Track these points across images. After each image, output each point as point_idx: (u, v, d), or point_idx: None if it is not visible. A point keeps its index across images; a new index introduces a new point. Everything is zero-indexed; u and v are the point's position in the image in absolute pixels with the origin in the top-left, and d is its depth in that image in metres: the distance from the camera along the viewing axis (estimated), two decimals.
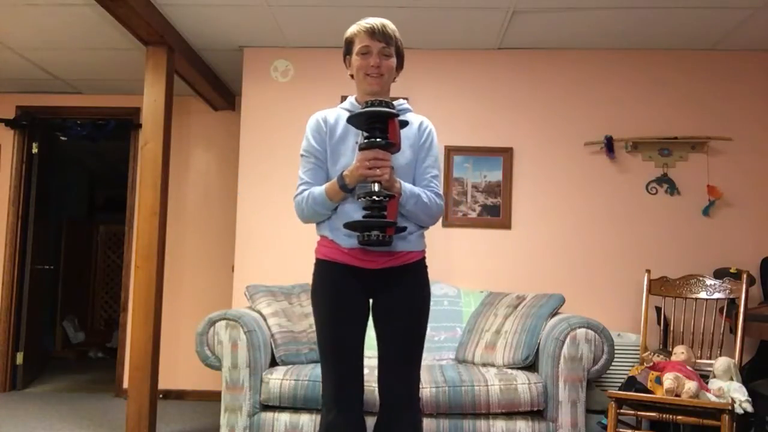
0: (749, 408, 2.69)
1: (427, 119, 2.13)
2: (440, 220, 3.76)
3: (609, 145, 3.70)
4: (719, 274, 3.38)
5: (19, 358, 4.83)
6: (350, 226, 1.90)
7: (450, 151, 3.81)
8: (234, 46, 3.91)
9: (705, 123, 3.74)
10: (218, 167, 4.83)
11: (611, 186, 3.76)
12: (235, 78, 4.33)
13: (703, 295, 3.18)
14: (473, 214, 3.78)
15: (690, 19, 3.37)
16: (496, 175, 3.79)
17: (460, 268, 3.74)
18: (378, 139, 1.86)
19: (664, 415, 2.65)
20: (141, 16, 3.11)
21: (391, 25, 2.04)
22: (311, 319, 3.20)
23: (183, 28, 3.61)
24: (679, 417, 2.63)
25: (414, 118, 2.10)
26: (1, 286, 4.77)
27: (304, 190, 2.02)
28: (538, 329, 2.92)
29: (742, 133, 3.72)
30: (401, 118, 1.96)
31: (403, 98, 2.22)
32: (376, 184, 1.86)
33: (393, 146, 1.89)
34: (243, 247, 3.85)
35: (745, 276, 3.06)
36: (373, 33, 1.99)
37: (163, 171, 3.49)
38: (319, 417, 2.74)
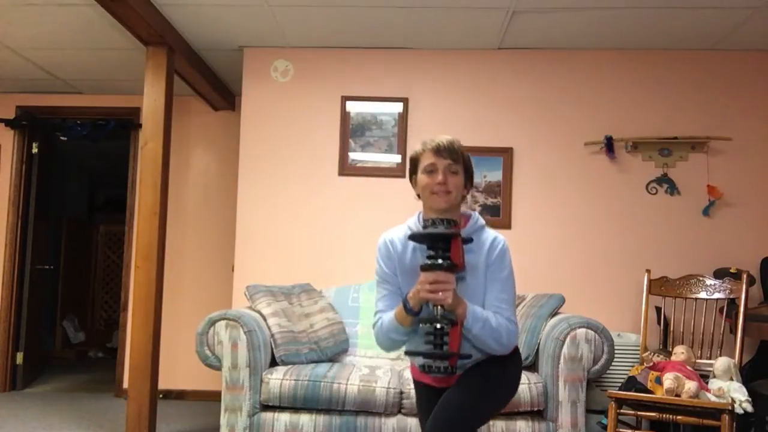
0: (749, 408, 2.69)
1: (501, 236, 2.00)
2: None
3: (609, 145, 3.70)
4: (719, 274, 3.38)
5: (19, 358, 4.83)
6: (412, 354, 1.90)
7: None
8: (234, 46, 3.91)
9: (705, 123, 3.74)
10: (218, 167, 4.83)
11: (611, 186, 3.75)
12: (235, 78, 4.33)
13: (703, 295, 3.18)
14: None
15: (690, 19, 3.37)
16: (496, 175, 3.79)
17: None
18: (439, 260, 1.78)
19: (664, 415, 2.65)
20: (141, 16, 3.11)
21: (458, 142, 1.96)
22: (311, 319, 3.20)
23: (183, 28, 3.61)
24: (679, 417, 2.63)
25: (487, 235, 1.99)
26: (1, 286, 4.77)
27: (380, 318, 1.98)
28: (538, 329, 2.92)
29: (742, 133, 3.72)
30: (465, 235, 1.88)
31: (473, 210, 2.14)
32: (438, 308, 1.79)
33: (455, 267, 1.81)
34: (243, 247, 3.85)
35: (745, 276, 3.06)
36: (438, 151, 1.92)
37: (163, 171, 3.49)
38: (318, 417, 2.74)
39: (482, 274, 1.91)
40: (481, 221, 2.01)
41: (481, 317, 1.85)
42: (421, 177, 1.95)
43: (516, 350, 1.99)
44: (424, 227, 1.83)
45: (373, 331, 2.02)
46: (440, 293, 1.77)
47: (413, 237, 1.88)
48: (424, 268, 1.80)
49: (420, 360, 1.82)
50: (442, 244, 1.80)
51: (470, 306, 1.85)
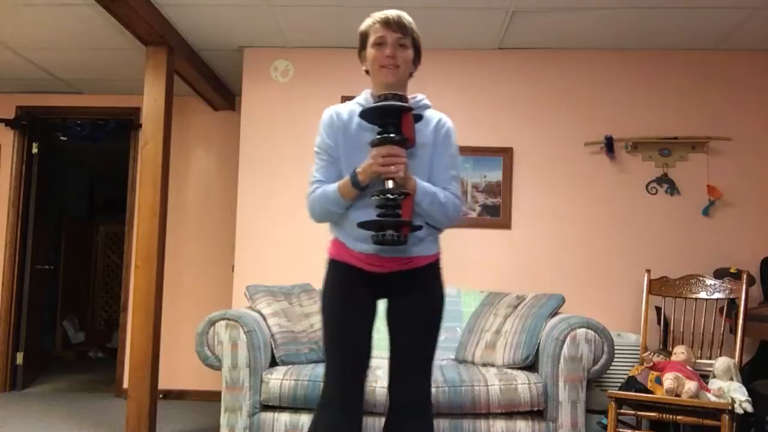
0: (749, 408, 2.68)
1: (447, 116, 2.05)
2: None
3: (609, 145, 3.70)
4: (719, 274, 3.38)
5: (19, 358, 4.83)
6: (364, 225, 1.83)
7: None
8: (234, 46, 3.91)
9: (705, 123, 3.74)
10: (218, 167, 4.83)
11: (611, 186, 3.75)
12: (235, 78, 4.33)
13: (703, 295, 3.18)
14: (473, 214, 3.78)
15: (690, 19, 3.37)
16: (496, 175, 3.79)
17: (460, 268, 3.74)
18: (391, 134, 1.79)
19: (664, 415, 2.65)
20: (141, 16, 3.11)
21: (407, 16, 1.95)
22: (311, 319, 3.20)
23: (183, 28, 3.61)
24: (679, 417, 2.63)
25: (432, 115, 2.02)
26: (1, 286, 4.77)
27: (317, 188, 1.95)
28: (538, 329, 2.92)
29: (742, 133, 3.72)
30: (415, 112, 1.89)
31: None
32: (390, 182, 1.79)
33: (407, 141, 1.82)
34: (243, 247, 3.85)
35: (745, 276, 3.06)
36: (388, 23, 1.91)
37: (163, 171, 3.49)
38: None
39: (428, 152, 1.96)
40: (426, 100, 2.05)
41: (429, 192, 1.89)
42: (370, 51, 1.94)
43: (438, 258, 2.03)
44: (376, 102, 1.82)
45: (308, 200, 1.98)
46: (392, 167, 1.78)
47: (365, 112, 1.86)
48: (376, 143, 1.81)
49: (373, 230, 1.80)
50: (393, 119, 1.80)
51: (419, 181, 1.87)
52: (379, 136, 1.81)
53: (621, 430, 2.75)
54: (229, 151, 4.72)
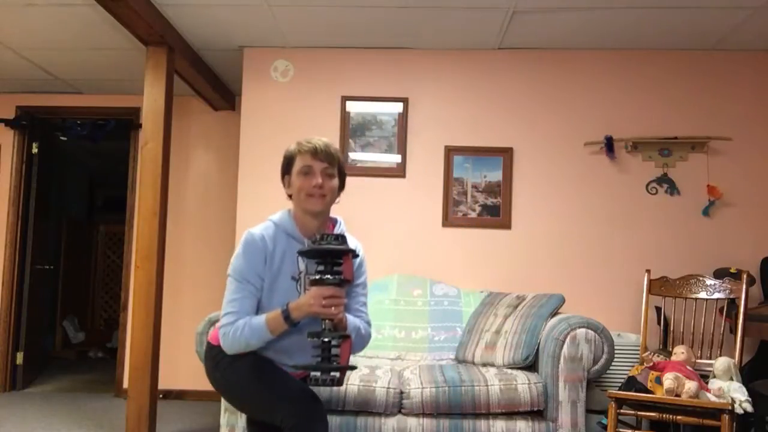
0: (749, 408, 2.68)
1: (356, 240, 2.07)
2: (440, 220, 3.78)
3: (609, 145, 3.70)
4: (719, 274, 3.38)
5: (19, 358, 4.83)
6: (301, 368, 1.82)
7: (450, 151, 3.81)
8: (234, 46, 3.91)
9: (705, 123, 3.74)
10: (218, 167, 4.83)
11: (611, 186, 3.75)
12: (235, 78, 4.33)
13: (703, 295, 3.18)
14: (473, 214, 3.78)
15: (690, 19, 3.37)
16: (496, 175, 3.79)
17: (460, 268, 3.74)
18: (333, 276, 1.79)
19: (664, 415, 2.64)
20: (141, 16, 3.11)
21: (334, 146, 1.99)
22: None
23: (183, 28, 3.61)
24: (679, 417, 2.63)
25: (351, 241, 2.03)
26: (1, 286, 4.77)
27: (237, 320, 1.88)
28: (538, 329, 2.92)
29: (742, 133, 3.72)
30: (355, 251, 1.91)
31: (337, 217, 2.14)
32: (327, 322, 1.79)
33: (347, 283, 1.83)
34: None
35: (745, 276, 3.06)
36: (315, 152, 1.93)
37: (163, 171, 3.49)
38: None
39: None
40: (344, 226, 2.06)
41: (354, 327, 1.92)
42: (296, 178, 1.96)
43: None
44: (314, 242, 1.81)
45: (220, 332, 1.91)
46: (333, 308, 1.78)
47: (306, 252, 1.85)
48: (316, 283, 1.80)
49: (311, 372, 1.80)
50: (332, 260, 1.80)
51: (347, 316, 1.90)
52: (319, 277, 1.80)
53: (621, 430, 2.75)
54: (229, 151, 4.72)
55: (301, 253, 1.89)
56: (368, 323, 2.02)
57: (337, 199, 2.03)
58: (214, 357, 1.99)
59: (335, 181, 1.98)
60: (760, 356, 3.36)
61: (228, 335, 1.88)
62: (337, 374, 1.80)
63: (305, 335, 1.83)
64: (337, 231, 2.00)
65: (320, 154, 1.93)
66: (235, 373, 1.94)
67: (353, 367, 1.89)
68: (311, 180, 1.92)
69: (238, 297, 1.90)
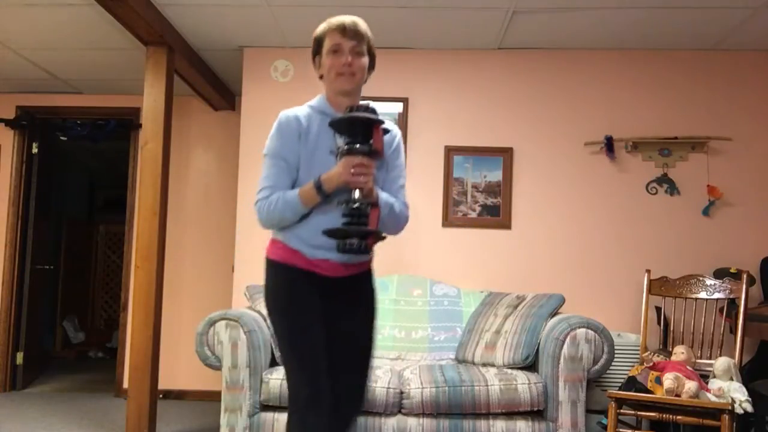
0: (749, 408, 2.69)
1: (395, 124, 2.05)
2: (440, 220, 3.78)
3: (609, 145, 3.70)
4: (719, 274, 3.38)
5: (19, 358, 4.83)
6: (329, 233, 1.81)
7: (450, 151, 3.81)
8: (234, 46, 3.91)
9: (705, 123, 3.74)
10: (218, 167, 4.83)
11: (611, 186, 3.76)
12: (235, 78, 4.33)
13: (703, 295, 3.18)
14: (473, 214, 3.78)
15: (690, 19, 3.37)
16: (496, 175, 3.79)
17: (460, 268, 3.74)
18: (363, 146, 1.79)
19: (664, 415, 2.65)
20: (141, 16, 3.11)
21: (363, 23, 1.95)
22: None
23: (183, 28, 3.61)
24: (679, 417, 2.63)
25: (387, 124, 2.00)
26: (1, 286, 4.77)
27: (271, 193, 1.88)
28: (538, 329, 2.92)
29: (742, 133, 3.72)
30: (385, 126, 1.89)
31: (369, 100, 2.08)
32: (357, 192, 1.79)
33: (377, 154, 1.82)
34: (243, 247, 3.85)
35: (745, 276, 3.06)
36: (344, 31, 1.90)
37: (163, 171, 3.49)
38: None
39: (381, 162, 1.96)
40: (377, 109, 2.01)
41: (387, 202, 1.91)
42: (325, 58, 1.95)
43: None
44: (346, 113, 1.81)
45: (256, 206, 1.91)
46: (362, 177, 1.77)
47: (335, 122, 1.84)
48: (346, 153, 1.79)
49: (338, 238, 1.78)
50: (364, 130, 1.80)
51: (379, 191, 1.89)
52: (349, 146, 1.80)
53: (621, 430, 2.75)
54: (229, 151, 4.73)
55: (331, 124, 1.87)
56: (405, 205, 1.98)
57: (366, 78, 2.00)
58: (266, 272, 1.99)
59: (365, 59, 1.95)
60: (760, 356, 3.35)
61: (263, 209, 1.89)
62: (365, 241, 1.77)
63: (336, 208, 1.83)
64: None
65: (349, 32, 1.91)
66: (272, 301, 1.96)
67: (382, 236, 1.86)
68: (340, 58, 1.91)
69: (272, 172, 1.92)
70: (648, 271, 3.33)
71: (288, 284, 1.93)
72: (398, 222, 1.97)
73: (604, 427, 2.87)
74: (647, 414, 2.71)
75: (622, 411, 2.76)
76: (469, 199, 3.79)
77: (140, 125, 4.21)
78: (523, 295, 3.25)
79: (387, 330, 3.34)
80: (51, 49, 3.98)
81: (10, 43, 3.89)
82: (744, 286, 3.04)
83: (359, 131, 1.81)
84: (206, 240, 4.77)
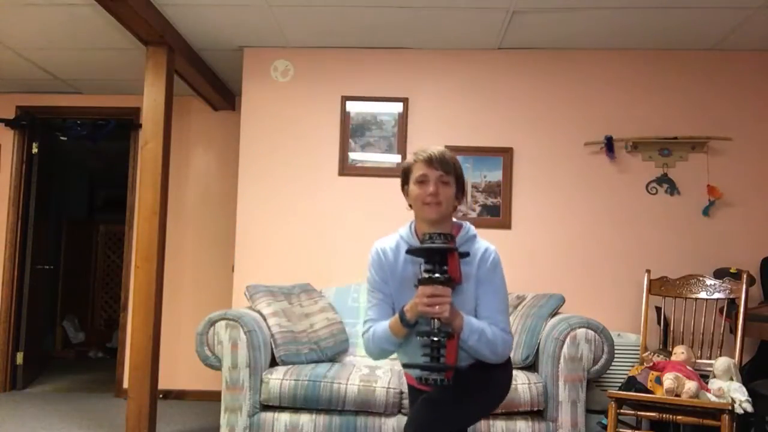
0: (749, 408, 2.69)
1: (493, 247, 2.01)
2: None
3: (609, 145, 3.70)
4: (719, 274, 3.38)
5: (19, 358, 4.83)
6: (409, 367, 1.90)
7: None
8: (234, 46, 3.91)
9: (705, 123, 3.74)
10: (218, 167, 4.83)
11: (611, 186, 3.75)
12: (235, 78, 4.33)
13: (703, 295, 3.18)
14: (473, 214, 3.78)
15: (690, 19, 3.37)
16: (496, 175, 3.79)
17: None
18: (436, 274, 1.80)
19: (664, 415, 2.65)
20: (141, 16, 3.11)
21: (449, 153, 1.98)
22: (311, 319, 3.20)
23: (183, 28, 3.61)
24: (679, 417, 2.63)
25: (478, 245, 2.00)
26: (1, 286, 4.77)
27: (371, 327, 1.99)
28: (538, 329, 2.92)
29: (742, 133, 3.72)
30: (462, 249, 1.91)
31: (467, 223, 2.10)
32: (435, 321, 1.80)
33: (452, 281, 1.83)
34: (243, 247, 3.85)
35: (745, 276, 3.06)
36: (431, 162, 1.93)
37: (163, 171, 3.49)
38: (319, 417, 2.74)
39: (473, 284, 1.93)
40: (473, 231, 2.02)
41: (477, 329, 1.87)
42: (413, 188, 1.96)
43: (507, 360, 2.00)
44: (422, 241, 1.83)
45: (362, 339, 2.02)
46: (437, 307, 1.78)
47: (411, 251, 1.89)
48: (422, 282, 1.81)
49: (417, 372, 1.82)
50: (439, 258, 1.81)
51: (467, 318, 1.87)
52: (424, 276, 1.82)
53: (621, 430, 2.75)
54: (229, 151, 4.72)
55: (408, 252, 1.92)
56: (504, 330, 1.92)
57: (456, 207, 2.01)
58: None
59: (451, 189, 1.97)
60: (760, 356, 3.35)
61: (367, 343, 2.00)
62: (443, 375, 1.78)
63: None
64: (461, 234, 1.99)
65: (435, 162, 1.94)
66: None
67: (453, 367, 1.86)
68: (426, 188, 1.93)
69: (371, 305, 2.02)
70: (648, 271, 3.33)
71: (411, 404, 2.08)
72: (494, 349, 1.89)
73: (604, 427, 2.87)
74: (647, 414, 2.71)
75: (622, 411, 2.76)
76: (469, 199, 3.79)
77: (140, 125, 4.21)
78: (523, 295, 3.25)
79: None
80: (51, 49, 3.98)
81: (10, 43, 3.89)
82: (744, 286, 3.04)
83: (435, 259, 1.82)
84: (206, 240, 4.77)
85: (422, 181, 1.94)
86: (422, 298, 1.79)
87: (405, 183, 2.03)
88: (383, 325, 1.93)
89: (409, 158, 2.01)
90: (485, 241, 2.00)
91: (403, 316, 1.86)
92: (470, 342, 1.85)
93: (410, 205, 2.02)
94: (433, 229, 1.91)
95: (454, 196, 1.97)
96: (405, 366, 1.92)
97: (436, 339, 1.78)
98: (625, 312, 3.64)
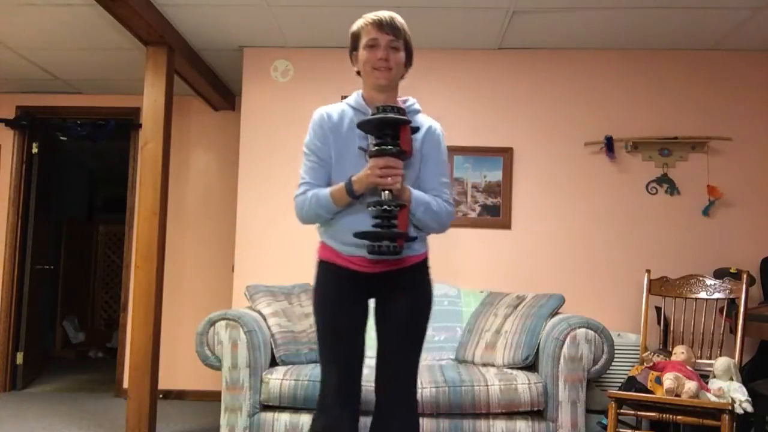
0: (749, 408, 2.69)
1: (437, 123, 2.05)
2: None
3: (609, 145, 3.70)
4: (719, 274, 3.38)
5: (19, 358, 4.83)
6: (360, 235, 1.83)
7: (450, 151, 3.79)
8: (234, 46, 3.91)
9: (705, 123, 3.74)
10: (218, 167, 4.83)
11: (611, 186, 3.76)
12: (235, 78, 4.33)
13: (703, 295, 3.18)
14: (473, 214, 3.78)
15: (690, 19, 3.37)
16: (496, 175, 3.79)
17: (460, 268, 3.74)
18: (389, 147, 1.80)
19: (664, 415, 2.65)
20: (141, 16, 3.11)
21: (399, 18, 1.96)
22: (312, 319, 3.20)
23: (183, 28, 3.61)
24: (679, 417, 2.63)
25: (423, 121, 2.02)
26: (1, 286, 4.77)
27: (307, 190, 1.95)
28: (538, 329, 2.92)
29: (742, 133, 3.72)
30: (413, 125, 1.90)
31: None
32: (386, 192, 1.81)
33: (405, 154, 1.84)
34: (243, 247, 3.85)
35: (745, 276, 3.06)
36: (381, 25, 1.91)
37: (163, 171, 3.49)
38: None
39: (418, 159, 1.96)
40: (417, 105, 2.03)
41: (423, 201, 1.91)
42: (362, 53, 1.96)
43: (426, 257, 2.05)
44: (374, 113, 1.81)
45: (295, 201, 1.98)
46: (390, 178, 1.79)
47: (362, 123, 1.87)
48: (374, 154, 1.81)
49: (369, 240, 1.81)
50: (391, 131, 1.81)
51: (413, 190, 1.89)
52: (376, 148, 1.81)
53: (621, 430, 2.75)
54: (229, 151, 4.72)
55: (359, 125, 1.89)
56: (447, 201, 1.98)
57: (404, 74, 2.01)
58: (316, 269, 2.08)
59: (401, 55, 1.96)
60: (760, 356, 3.36)
61: (301, 205, 1.96)
62: (394, 243, 1.79)
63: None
64: (406, 107, 1.97)
65: (385, 26, 1.92)
66: (314, 299, 2.07)
67: (412, 237, 1.89)
68: (376, 53, 1.92)
69: (306, 168, 1.98)
70: (648, 271, 3.33)
71: (328, 283, 2.01)
72: (439, 219, 1.96)
73: (604, 427, 2.87)
74: (647, 414, 2.71)
75: (622, 411, 2.76)
76: (469, 199, 3.79)
77: (140, 125, 4.21)
78: (523, 295, 3.25)
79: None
80: (51, 49, 3.98)
81: (10, 43, 3.89)
82: (744, 286, 3.04)
83: (387, 132, 1.81)
84: (206, 240, 4.77)
85: (372, 45, 1.93)
86: (375, 169, 1.79)
87: (354, 48, 2.02)
88: (324, 192, 1.90)
89: (358, 22, 1.99)
90: (429, 117, 2.04)
91: (350, 187, 1.85)
92: (418, 214, 1.90)
93: (358, 72, 2.02)
94: (382, 96, 1.93)
95: (404, 63, 1.98)
96: (356, 235, 1.83)
97: (388, 208, 1.79)
98: (625, 312, 3.64)
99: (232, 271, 3.90)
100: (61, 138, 5.31)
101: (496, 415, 2.68)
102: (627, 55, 3.81)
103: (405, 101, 2.03)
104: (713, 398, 2.69)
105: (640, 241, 3.71)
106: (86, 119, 5.00)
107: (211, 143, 4.84)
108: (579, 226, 3.75)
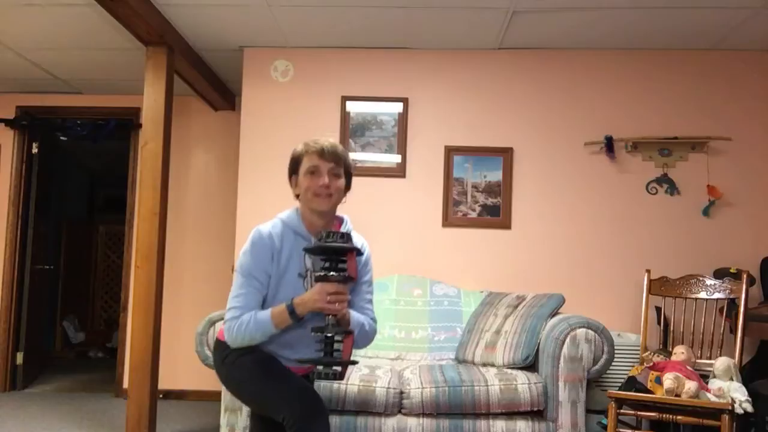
0: (749, 408, 2.69)
1: (363, 238, 2.10)
2: (440, 221, 3.78)
3: (609, 145, 3.70)
4: (719, 274, 3.38)
5: (19, 358, 4.83)
6: (305, 362, 1.88)
7: (450, 151, 3.81)
8: (234, 46, 3.91)
9: (705, 123, 3.74)
10: (218, 167, 4.83)
11: (611, 186, 3.75)
12: (235, 78, 4.33)
13: (703, 295, 3.18)
14: (473, 214, 3.78)
15: (690, 19, 3.37)
16: (496, 175, 3.79)
17: (460, 268, 3.74)
18: (337, 273, 1.83)
19: (664, 415, 2.65)
20: (141, 16, 3.11)
21: (341, 146, 2.02)
22: None
23: (183, 28, 3.61)
24: (679, 417, 2.63)
25: (356, 240, 2.05)
26: (1, 286, 4.77)
27: (241, 314, 1.92)
28: (538, 329, 2.92)
29: (742, 133, 3.72)
30: (360, 248, 1.94)
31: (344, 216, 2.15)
32: (331, 317, 1.84)
33: (351, 280, 1.88)
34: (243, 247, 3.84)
35: (745, 276, 3.06)
36: (323, 153, 1.96)
37: (163, 171, 3.49)
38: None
39: None
40: (350, 225, 2.08)
41: (359, 323, 1.96)
42: (303, 178, 1.98)
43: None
44: (320, 239, 1.84)
45: (225, 326, 1.95)
46: (336, 304, 1.82)
47: (312, 249, 1.89)
48: (320, 279, 1.84)
49: (315, 366, 1.85)
50: (338, 257, 1.85)
51: (352, 313, 1.94)
52: (324, 273, 1.84)
53: (621, 430, 2.75)
54: (229, 151, 4.72)
55: (307, 251, 1.92)
56: (373, 320, 2.06)
57: (344, 199, 2.06)
58: (221, 352, 2.03)
59: (342, 181, 2.01)
60: (760, 356, 3.36)
61: (233, 329, 1.92)
62: (339, 369, 1.84)
63: (308, 330, 1.87)
64: (343, 229, 2.03)
65: (327, 154, 1.96)
66: (240, 369, 1.97)
67: (354, 362, 1.92)
68: (318, 180, 1.95)
69: (243, 292, 1.94)
70: (648, 271, 3.33)
71: (259, 355, 1.98)
72: (368, 339, 2.05)
73: (604, 427, 2.87)
74: (647, 414, 2.71)
75: (622, 411, 2.76)
76: (469, 199, 3.79)
77: (140, 125, 4.21)
78: (523, 295, 3.25)
79: (387, 330, 3.34)
80: (51, 49, 3.98)
81: (10, 43, 3.89)
82: (744, 286, 3.04)
83: (334, 258, 1.85)
84: (206, 240, 4.77)
85: (313, 172, 1.96)
86: (323, 294, 1.82)
87: (293, 172, 2.03)
88: (263, 314, 1.90)
89: (299, 147, 2.01)
90: (359, 235, 2.08)
91: (293, 310, 1.86)
92: (353, 336, 1.94)
93: (297, 195, 2.03)
94: (321, 222, 1.97)
95: (344, 189, 2.02)
96: (302, 362, 1.88)
97: (330, 335, 1.82)
98: (625, 312, 3.64)
99: (232, 271, 3.89)
100: (61, 138, 5.31)
101: (496, 415, 2.68)
102: (627, 55, 3.81)
103: (341, 221, 2.07)
104: (713, 398, 2.69)
105: (640, 241, 3.71)
106: (86, 119, 5.00)
107: (211, 143, 4.84)
108: (579, 226, 3.75)
